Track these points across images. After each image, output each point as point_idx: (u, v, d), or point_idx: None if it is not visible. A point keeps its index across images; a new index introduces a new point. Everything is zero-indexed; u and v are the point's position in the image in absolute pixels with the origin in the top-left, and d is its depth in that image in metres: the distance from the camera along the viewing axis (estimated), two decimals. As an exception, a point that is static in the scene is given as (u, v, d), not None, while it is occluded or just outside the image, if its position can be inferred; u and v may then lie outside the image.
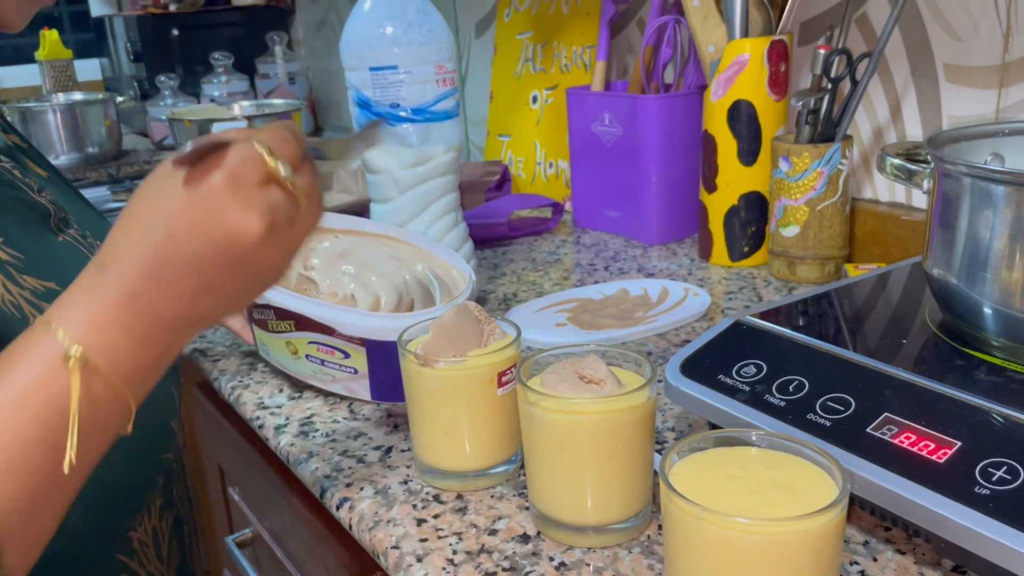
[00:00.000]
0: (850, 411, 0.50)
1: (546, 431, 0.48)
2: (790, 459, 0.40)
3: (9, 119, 1.55)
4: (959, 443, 0.46)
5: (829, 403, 0.51)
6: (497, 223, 1.07)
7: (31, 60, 2.18)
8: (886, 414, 0.49)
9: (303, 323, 0.63)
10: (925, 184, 0.58)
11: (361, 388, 0.64)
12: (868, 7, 0.87)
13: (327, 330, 0.63)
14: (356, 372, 0.64)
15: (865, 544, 0.48)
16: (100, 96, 1.72)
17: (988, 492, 0.43)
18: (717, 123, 0.90)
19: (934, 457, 0.45)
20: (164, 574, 0.60)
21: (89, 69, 2.25)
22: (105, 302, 0.39)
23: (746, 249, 0.93)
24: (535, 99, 1.25)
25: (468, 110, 1.52)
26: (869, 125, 0.90)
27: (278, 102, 1.15)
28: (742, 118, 0.89)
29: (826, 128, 0.84)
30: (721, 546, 0.36)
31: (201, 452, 1.08)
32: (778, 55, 0.87)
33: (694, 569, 0.38)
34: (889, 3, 0.85)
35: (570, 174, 1.15)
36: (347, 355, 0.63)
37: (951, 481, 0.44)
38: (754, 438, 0.41)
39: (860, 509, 0.50)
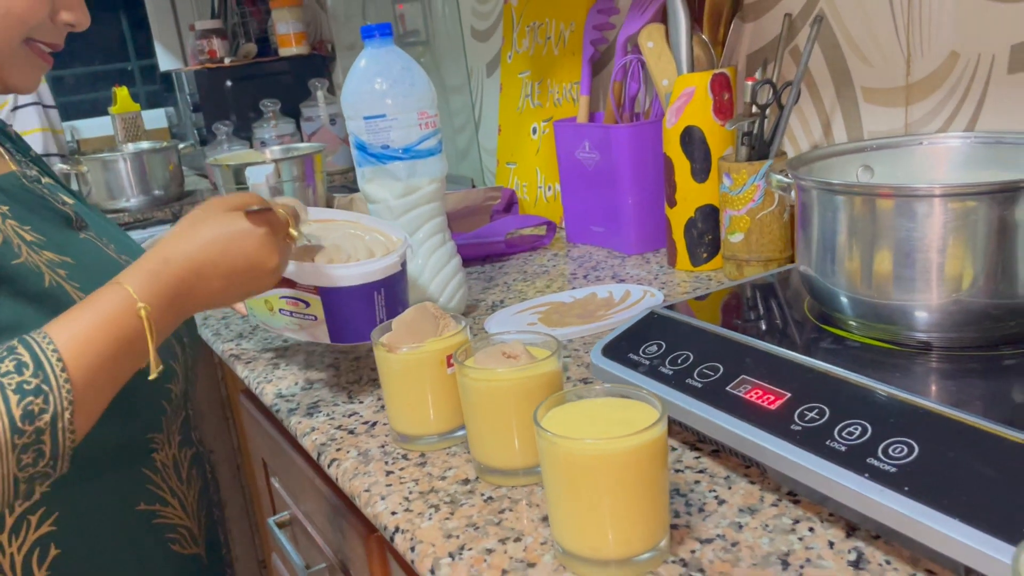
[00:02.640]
0: (718, 375, 0.63)
1: (476, 396, 0.63)
2: (632, 403, 0.54)
3: (86, 169, 1.77)
4: (789, 394, 0.58)
5: (704, 370, 0.64)
6: (495, 241, 1.22)
7: (105, 113, 2.43)
8: (743, 376, 0.62)
9: None
10: (793, 195, 0.71)
11: (322, 333, 0.79)
12: (799, 40, 1.00)
13: (290, 283, 0.78)
14: (316, 319, 0.79)
15: (726, 478, 0.61)
16: (164, 144, 1.93)
17: (799, 429, 0.55)
18: (673, 146, 1.04)
19: (769, 406, 0.58)
20: (185, 493, 0.77)
21: (155, 119, 2.50)
22: (164, 282, 0.61)
23: (705, 255, 1.06)
24: (535, 130, 1.40)
25: (482, 140, 1.68)
26: (807, 142, 1.03)
27: (302, 146, 1.33)
28: (694, 141, 1.02)
29: (761, 147, 0.97)
30: (568, 461, 0.50)
31: (250, 448, 1.25)
32: (720, 86, 1.01)
33: (555, 483, 0.52)
34: (809, 39, 0.98)
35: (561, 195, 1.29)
36: (308, 304, 0.78)
37: (776, 422, 0.57)
38: (606, 388, 0.55)
39: (728, 454, 0.63)
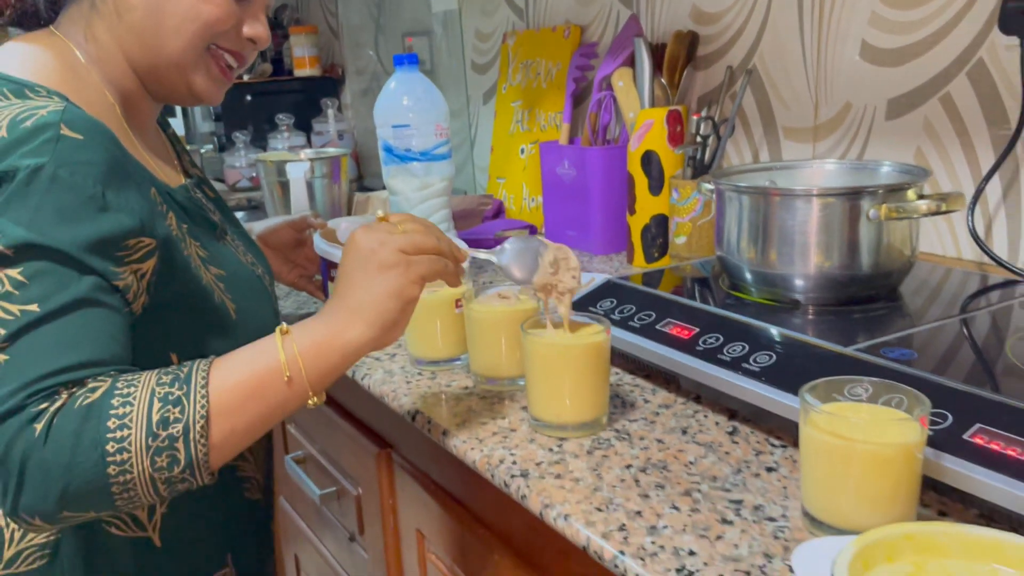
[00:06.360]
0: (651, 319, 0.88)
1: (479, 325, 0.87)
2: (590, 323, 0.78)
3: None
4: (697, 328, 0.83)
5: (642, 316, 0.89)
6: (486, 239, 1.46)
7: (129, 119, 2.65)
8: (668, 319, 0.87)
9: None
10: (714, 196, 0.96)
11: None
12: (737, 87, 1.27)
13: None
14: None
15: (652, 389, 0.85)
16: (188, 148, 2.16)
17: (702, 349, 0.80)
18: (634, 166, 1.29)
19: (684, 336, 0.83)
20: (257, 449, 0.86)
21: (176, 125, 2.73)
22: (319, 320, 0.68)
23: (656, 254, 1.31)
24: (522, 151, 1.66)
25: (476, 159, 1.93)
26: (740, 168, 1.29)
27: (331, 150, 1.57)
28: (651, 162, 1.28)
29: (702, 169, 1.23)
30: (542, 354, 0.74)
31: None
32: (674, 120, 1.27)
33: (532, 371, 0.76)
34: (741, 86, 1.24)
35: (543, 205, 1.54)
36: None
37: (687, 346, 0.81)
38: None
39: (656, 375, 0.88)
